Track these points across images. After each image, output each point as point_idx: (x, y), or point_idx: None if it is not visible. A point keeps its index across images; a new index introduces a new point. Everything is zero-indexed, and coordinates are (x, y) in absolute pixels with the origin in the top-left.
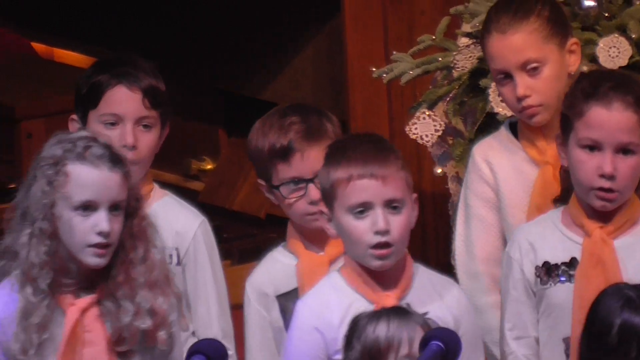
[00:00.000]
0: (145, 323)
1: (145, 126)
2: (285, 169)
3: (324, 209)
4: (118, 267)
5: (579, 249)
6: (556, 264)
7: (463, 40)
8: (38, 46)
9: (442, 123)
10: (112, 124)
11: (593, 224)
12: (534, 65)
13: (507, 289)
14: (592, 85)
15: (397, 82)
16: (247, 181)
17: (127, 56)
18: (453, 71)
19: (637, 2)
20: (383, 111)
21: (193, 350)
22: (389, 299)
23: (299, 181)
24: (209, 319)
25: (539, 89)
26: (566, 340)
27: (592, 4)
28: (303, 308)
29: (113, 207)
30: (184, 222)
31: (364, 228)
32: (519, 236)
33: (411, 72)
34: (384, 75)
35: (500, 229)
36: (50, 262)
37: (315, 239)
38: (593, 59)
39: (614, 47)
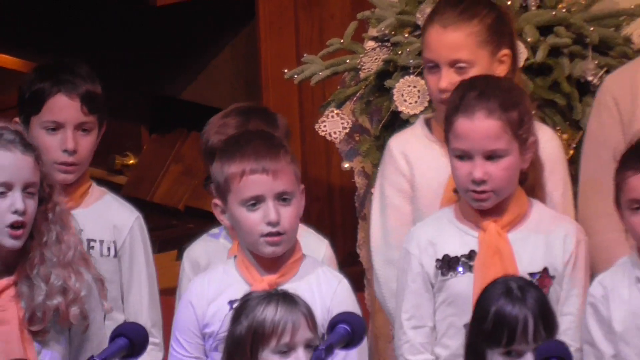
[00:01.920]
0: (57, 300)
1: (85, 130)
2: None
3: (218, 201)
4: (34, 249)
5: (476, 241)
6: (456, 257)
7: (369, 44)
8: None
9: (349, 121)
10: (54, 129)
11: (486, 219)
12: (463, 65)
13: (406, 282)
14: (458, 96)
15: (308, 82)
16: (167, 175)
17: (66, 62)
18: (360, 72)
19: (533, 8)
20: (295, 110)
21: (117, 333)
22: (262, 283)
23: None
24: (140, 309)
25: None
26: (467, 327)
27: None
28: (191, 283)
29: (27, 188)
30: (120, 217)
31: (257, 219)
32: (417, 233)
33: (321, 74)
34: (296, 76)
35: (413, 218)
36: None
37: None
38: None
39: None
